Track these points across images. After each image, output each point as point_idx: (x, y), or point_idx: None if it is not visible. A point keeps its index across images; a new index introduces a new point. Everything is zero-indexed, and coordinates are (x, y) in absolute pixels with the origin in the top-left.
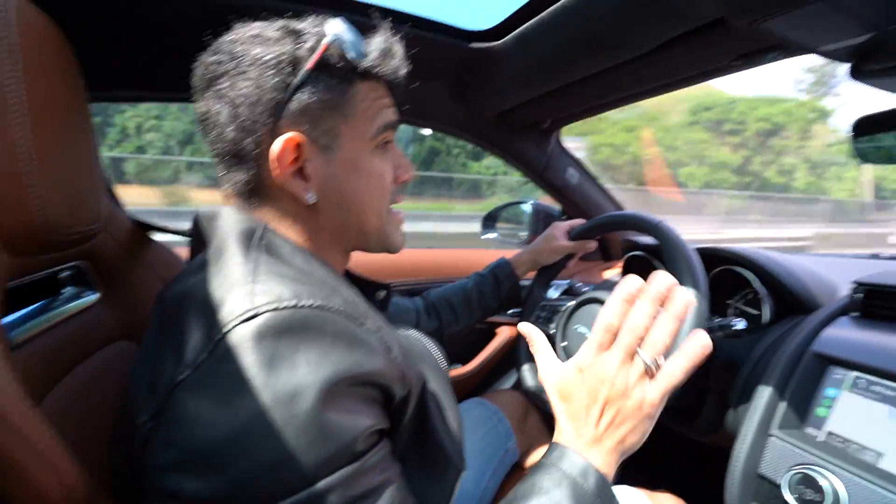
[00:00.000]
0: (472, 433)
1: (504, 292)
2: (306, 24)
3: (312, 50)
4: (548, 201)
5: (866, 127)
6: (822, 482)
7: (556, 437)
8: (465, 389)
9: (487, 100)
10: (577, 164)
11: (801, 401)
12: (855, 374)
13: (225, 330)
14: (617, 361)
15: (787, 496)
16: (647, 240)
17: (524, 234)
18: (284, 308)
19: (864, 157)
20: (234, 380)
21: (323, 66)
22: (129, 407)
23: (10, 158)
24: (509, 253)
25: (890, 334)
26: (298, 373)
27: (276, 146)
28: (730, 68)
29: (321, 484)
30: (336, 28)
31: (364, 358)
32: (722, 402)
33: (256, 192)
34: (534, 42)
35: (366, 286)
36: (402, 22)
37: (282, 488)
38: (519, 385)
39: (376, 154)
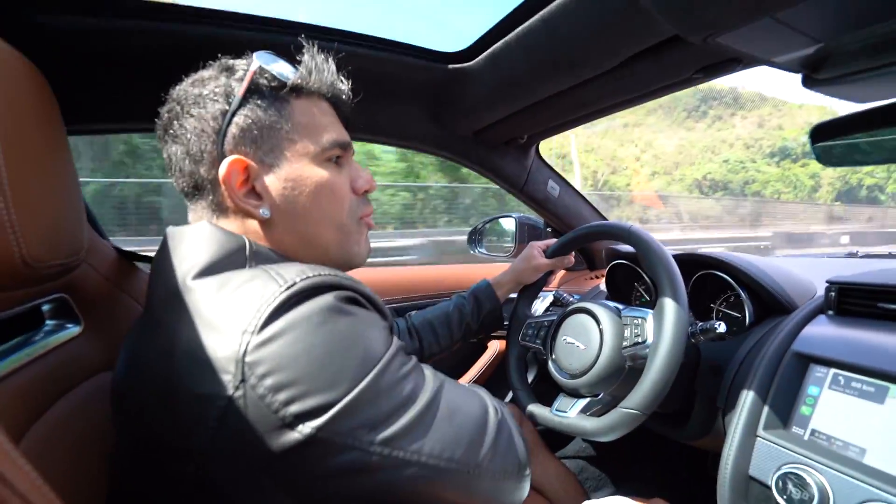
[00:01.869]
0: None
1: (485, 313)
2: (239, 61)
3: (242, 79)
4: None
5: (824, 132)
6: (809, 480)
7: None
8: None
9: (464, 118)
10: (557, 176)
11: (786, 400)
12: (834, 371)
13: (275, 294)
14: None
15: (777, 496)
16: (630, 249)
17: (510, 246)
18: (314, 276)
19: (823, 159)
20: (300, 321)
21: (253, 90)
22: (195, 400)
23: None
24: (490, 274)
25: (863, 330)
26: (349, 307)
27: (222, 170)
28: (692, 80)
29: (392, 349)
30: (262, 57)
31: (379, 300)
32: (710, 405)
33: (222, 213)
34: (503, 62)
35: None
36: (376, 47)
37: (374, 362)
38: (511, 399)
39: (327, 167)
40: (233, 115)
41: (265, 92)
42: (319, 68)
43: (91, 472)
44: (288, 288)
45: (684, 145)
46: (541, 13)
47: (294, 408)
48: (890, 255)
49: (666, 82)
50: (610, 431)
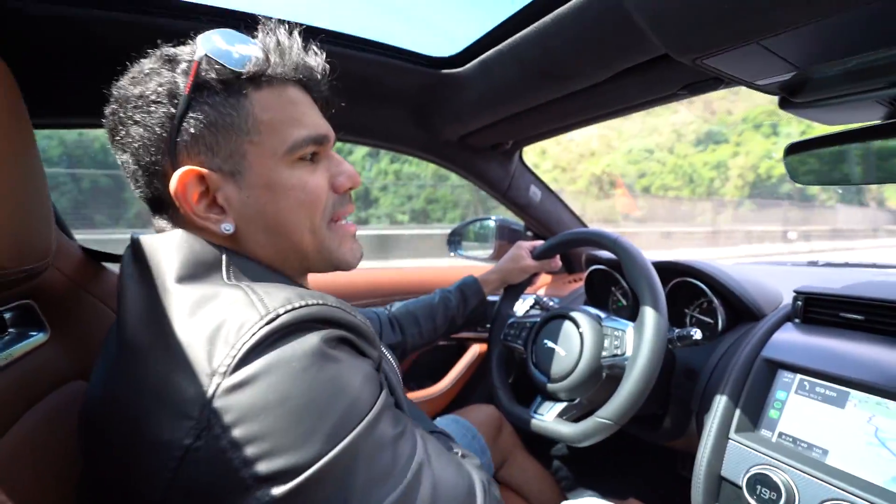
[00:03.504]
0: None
1: (470, 309)
2: (184, 47)
3: (186, 72)
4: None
5: (797, 148)
6: (777, 480)
7: None
8: (438, 407)
9: (451, 123)
10: (538, 181)
11: (756, 404)
12: (800, 376)
13: (253, 331)
14: None
15: (747, 496)
16: (609, 254)
17: (489, 250)
18: (299, 307)
19: (794, 175)
20: (276, 367)
21: (202, 85)
22: (154, 443)
23: None
24: (478, 271)
25: (827, 338)
26: (331, 350)
27: (173, 184)
28: (676, 96)
29: (378, 406)
30: (208, 40)
31: (372, 343)
32: (684, 408)
33: (187, 227)
34: (494, 70)
35: None
36: (365, 48)
37: (357, 420)
38: (491, 399)
39: (299, 167)
40: (181, 119)
41: (216, 86)
42: (282, 48)
43: (62, 490)
44: (269, 322)
45: (608, 135)
46: (535, 24)
47: (259, 468)
48: (847, 265)
49: (651, 97)
50: (584, 438)
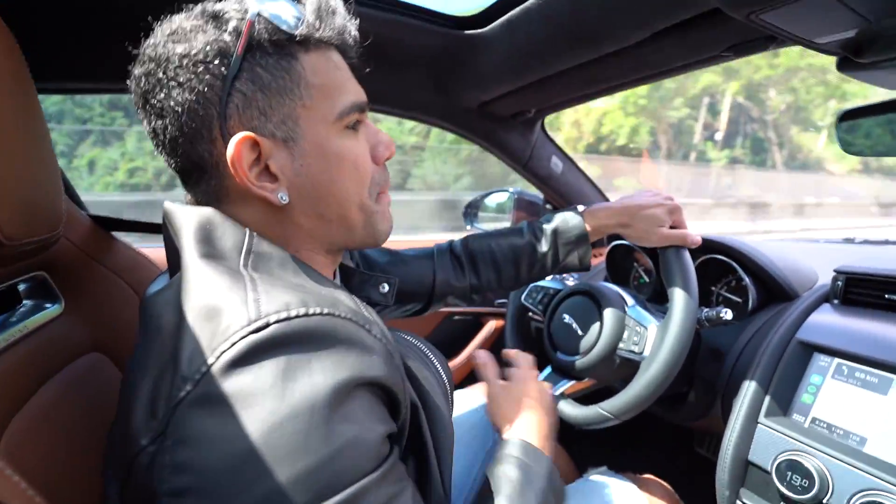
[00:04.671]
0: (459, 425)
1: (563, 264)
2: (227, 3)
3: (238, 31)
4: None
5: (852, 115)
6: (809, 467)
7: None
8: (454, 381)
9: (472, 89)
10: (560, 152)
11: (788, 388)
12: (837, 360)
13: (233, 340)
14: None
15: (776, 482)
16: None
17: (506, 223)
18: (295, 317)
19: (845, 144)
20: (246, 393)
21: (255, 46)
22: (123, 430)
23: None
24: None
25: (869, 320)
26: (315, 381)
27: (230, 150)
28: (720, 58)
29: (347, 493)
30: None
31: (376, 363)
32: (709, 388)
33: (225, 199)
34: (519, 31)
35: (368, 279)
36: (380, 6)
37: (305, 501)
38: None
39: (347, 136)
40: (233, 80)
41: (268, 47)
42: (328, 10)
43: (83, 463)
44: (255, 330)
45: None
46: None
47: None
48: (888, 242)
49: (691, 59)
50: (585, 424)
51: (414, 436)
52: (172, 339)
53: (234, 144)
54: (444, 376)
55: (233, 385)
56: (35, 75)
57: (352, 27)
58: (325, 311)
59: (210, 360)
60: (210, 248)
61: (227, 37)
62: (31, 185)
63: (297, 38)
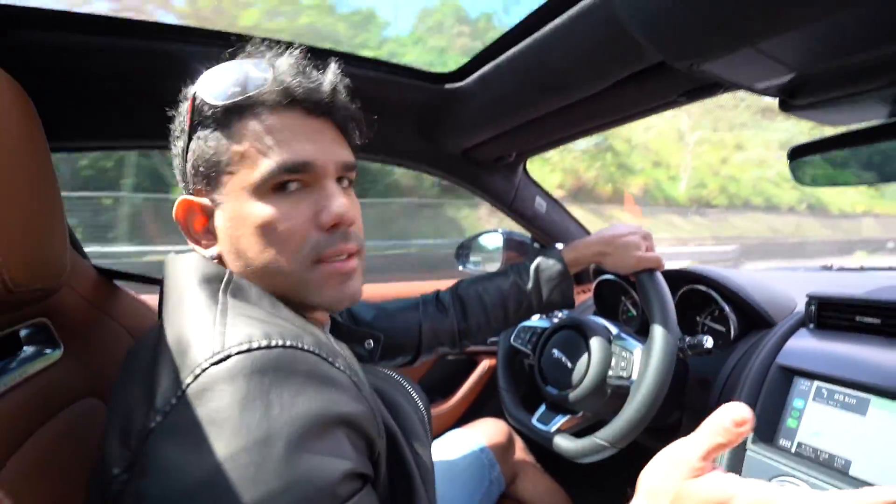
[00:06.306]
0: (454, 464)
1: (547, 301)
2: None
3: (187, 109)
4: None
5: (802, 151)
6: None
7: None
8: (449, 422)
9: (454, 137)
10: (543, 192)
11: (772, 413)
12: (817, 383)
13: (196, 372)
14: None
15: None
16: None
17: (496, 263)
18: (256, 349)
19: (800, 177)
20: (205, 424)
21: (197, 121)
22: (103, 460)
23: None
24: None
25: (843, 343)
26: (272, 414)
27: (174, 209)
28: (676, 103)
29: None
30: (203, 76)
31: (338, 397)
32: (698, 418)
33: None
34: (494, 83)
35: (353, 335)
36: (367, 66)
37: None
38: (501, 413)
39: (272, 201)
40: (185, 152)
41: (207, 120)
42: (264, 72)
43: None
44: (216, 362)
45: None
46: (532, 37)
47: None
48: (862, 269)
49: (651, 104)
50: (582, 456)
51: (395, 465)
52: (149, 372)
53: (176, 204)
54: (422, 408)
55: (193, 416)
56: (48, 134)
57: (310, 84)
58: (288, 343)
59: (178, 392)
60: (197, 277)
61: (185, 114)
62: (37, 237)
63: (227, 108)
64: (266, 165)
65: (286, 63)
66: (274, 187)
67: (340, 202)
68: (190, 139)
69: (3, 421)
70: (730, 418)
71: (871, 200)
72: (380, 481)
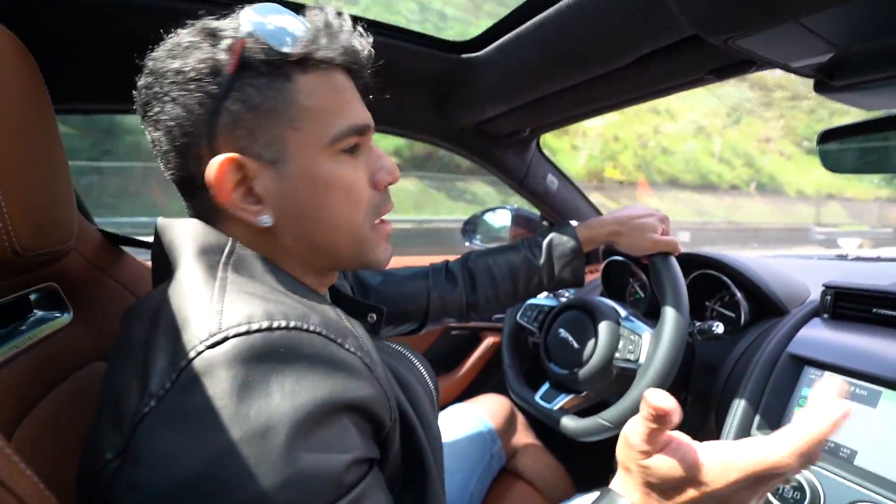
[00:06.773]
0: (456, 439)
1: (559, 278)
2: (226, 20)
3: (231, 49)
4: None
5: (832, 135)
6: (801, 479)
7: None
8: (450, 397)
9: (467, 109)
10: (556, 170)
11: (779, 401)
12: (827, 374)
13: (190, 356)
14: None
15: (769, 494)
16: None
17: (504, 240)
18: (256, 331)
19: (828, 163)
20: (201, 413)
21: (247, 65)
22: (95, 440)
23: None
24: None
25: (857, 334)
26: (272, 402)
27: (211, 171)
28: (703, 81)
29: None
30: (254, 16)
31: (346, 381)
32: (703, 403)
33: (213, 216)
34: (513, 54)
35: (355, 308)
36: (384, 32)
37: None
38: (504, 389)
39: (341, 161)
40: (222, 99)
41: (261, 67)
42: (331, 29)
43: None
44: (212, 346)
45: None
46: (555, 6)
47: None
48: (879, 259)
49: (676, 81)
50: (584, 435)
51: (407, 443)
52: (144, 348)
53: (216, 165)
54: (429, 383)
55: (188, 403)
56: (53, 96)
57: (360, 47)
58: (292, 324)
59: (173, 376)
60: (196, 248)
61: (221, 55)
62: (45, 200)
63: (294, 59)
64: (340, 125)
65: (346, 22)
66: (343, 148)
67: (391, 161)
68: (231, 85)
69: (14, 384)
70: (647, 410)
71: (845, 182)
72: (389, 460)
